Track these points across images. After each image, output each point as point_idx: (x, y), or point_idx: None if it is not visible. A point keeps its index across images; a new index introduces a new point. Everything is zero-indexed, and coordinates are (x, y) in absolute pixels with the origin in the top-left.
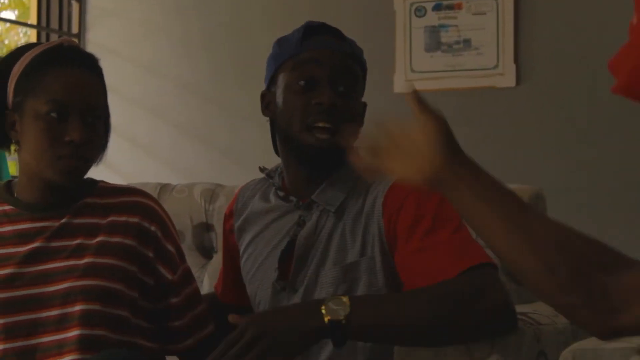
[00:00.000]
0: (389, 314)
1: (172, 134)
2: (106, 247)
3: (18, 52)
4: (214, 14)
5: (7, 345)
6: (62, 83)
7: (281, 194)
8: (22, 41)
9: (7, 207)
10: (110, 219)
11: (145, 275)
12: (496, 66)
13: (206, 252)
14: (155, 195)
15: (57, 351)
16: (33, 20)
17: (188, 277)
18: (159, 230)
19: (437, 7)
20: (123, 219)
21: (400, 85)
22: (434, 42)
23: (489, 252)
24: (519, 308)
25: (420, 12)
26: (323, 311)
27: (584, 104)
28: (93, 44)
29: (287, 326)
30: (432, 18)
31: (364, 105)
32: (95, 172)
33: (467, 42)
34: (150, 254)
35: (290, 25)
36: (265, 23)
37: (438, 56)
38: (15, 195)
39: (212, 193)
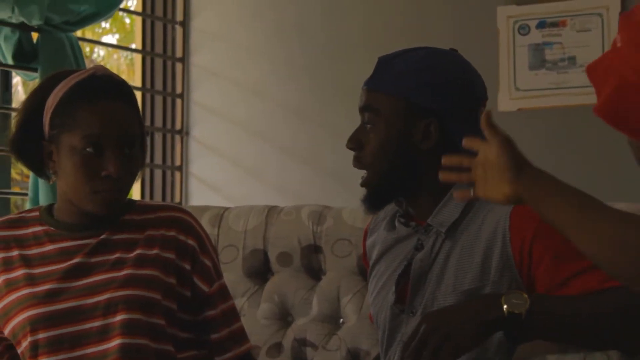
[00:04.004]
0: (568, 312)
1: (278, 156)
2: (144, 259)
3: (52, 81)
4: (315, 36)
5: (52, 358)
6: (96, 118)
7: (402, 220)
8: (124, 66)
9: (47, 228)
10: (147, 233)
11: (183, 288)
12: None
13: (314, 274)
14: (263, 217)
15: None
16: (137, 44)
17: (224, 293)
18: (196, 244)
19: (541, 25)
20: (160, 232)
21: (504, 103)
22: (538, 60)
23: None
24: None
25: (524, 29)
26: (503, 303)
27: None
28: (197, 68)
29: (464, 317)
30: (536, 36)
31: None
32: (202, 195)
33: (572, 60)
34: (188, 267)
35: (389, 44)
36: (365, 43)
37: (543, 74)
38: (55, 217)
39: (319, 215)
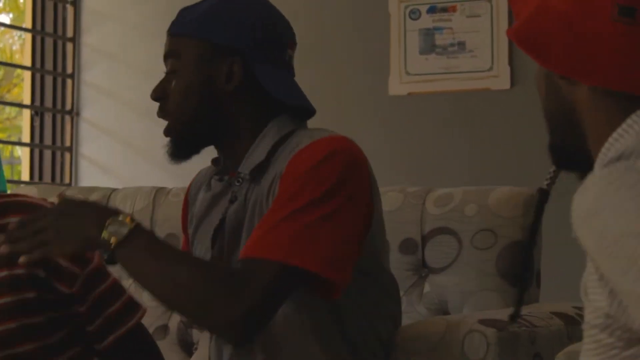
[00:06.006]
0: (160, 262)
1: None
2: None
3: None
4: None
5: None
6: None
7: (216, 176)
8: (17, 45)
9: None
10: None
11: (47, 293)
12: (491, 68)
13: None
14: (150, 199)
15: None
16: (28, 23)
17: (89, 285)
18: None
19: (432, 10)
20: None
21: (395, 87)
22: (429, 44)
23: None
24: None
25: (414, 14)
26: (106, 225)
27: None
28: (88, 48)
29: (76, 226)
30: (426, 21)
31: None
32: (91, 176)
33: (461, 45)
34: (42, 275)
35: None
36: None
37: (433, 59)
38: None
39: None
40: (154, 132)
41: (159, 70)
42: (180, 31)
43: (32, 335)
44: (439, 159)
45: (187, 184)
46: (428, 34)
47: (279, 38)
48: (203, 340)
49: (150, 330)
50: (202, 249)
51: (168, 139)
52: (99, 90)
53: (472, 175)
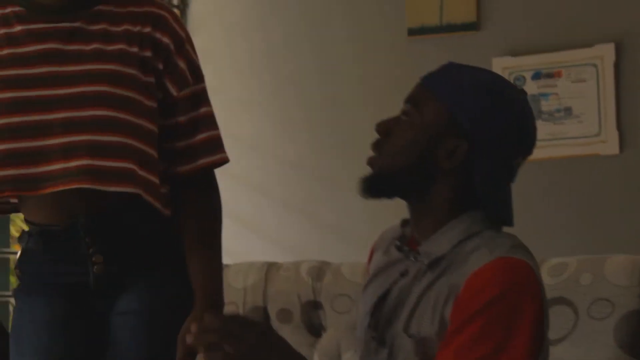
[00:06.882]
0: None
1: (276, 210)
2: (125, 55)
3: None
4: (311, 89)
5: (11, 145)
6: None
7: (398, 243)
8: None
9: (17, 9)
10: (124, 27)
11: (157, 89)
12: (598, 133)
13: (315, 331)
14: (262, 274)
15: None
16: None
17: (197, 100)
18: (171, 43)
19: (537, 76)
20: (137, 28)
21: None
22: (535, 111)
23: None
24: None
25: (519, 81)
26: None
27: None
28: None
29: None
30: (531, 87)
31: None
32: None
33: (568, 110)
34: (160, 67)
35: (387, 98)
36: (361, 97)
37: (539, 125)
38: None
39: (318, 271)
40: (261, 205)
41: (265, 144)
42: (431, 86)
43: None
44: (548, 227)
45: (296, 258)
46: (534, 101)
47: (518, 145)
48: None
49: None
50: (364, 311)
51: (369, 169)
52: None
53: (582, 243)
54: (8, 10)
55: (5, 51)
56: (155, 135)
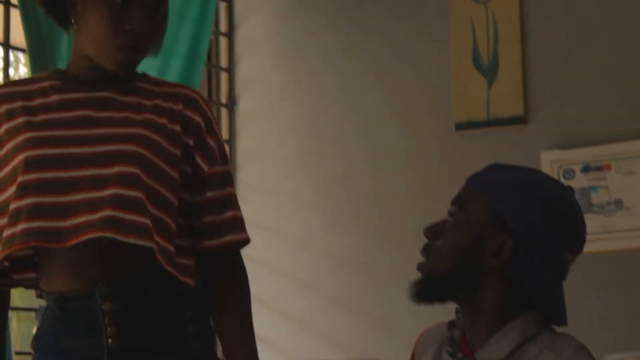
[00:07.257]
0: None
1: (326, 307)
2: (153, 124)
3: None
4: (360, 186)
5: (40, 200)
6: None
7: (449, 349)
8: None
9: (55, 82)
10: (155, 102)
11: (185, 163)
12: None
13: None
14: None
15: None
16: None
17: (224, 180)
18: (202, 122)
19: (586, 169)
20: (168, 105)
21: None
22: (585, 204)
23: None
24: None
25: (568, 174)
26: None
27: None
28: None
29: None
30: (581, 180)
31: None
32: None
33: (618, 203)
34: (191, 142)
35: (436, 193)
36: (411, 193)
37: (590, 218)
38: (66, 72)
39: None
40: (311, 302)
41: (314, 240)
42: (478, 187)
43: None
44: (601, 323)
45: (348, 355)
46: (584, 194)
47: (563, 239)
48: None
49: None
50: None
51: (419, 275)
52: (256, 261)
53: (636, 339)
54: (47, 83)
55: (40, 117)
56: (174, 207)
